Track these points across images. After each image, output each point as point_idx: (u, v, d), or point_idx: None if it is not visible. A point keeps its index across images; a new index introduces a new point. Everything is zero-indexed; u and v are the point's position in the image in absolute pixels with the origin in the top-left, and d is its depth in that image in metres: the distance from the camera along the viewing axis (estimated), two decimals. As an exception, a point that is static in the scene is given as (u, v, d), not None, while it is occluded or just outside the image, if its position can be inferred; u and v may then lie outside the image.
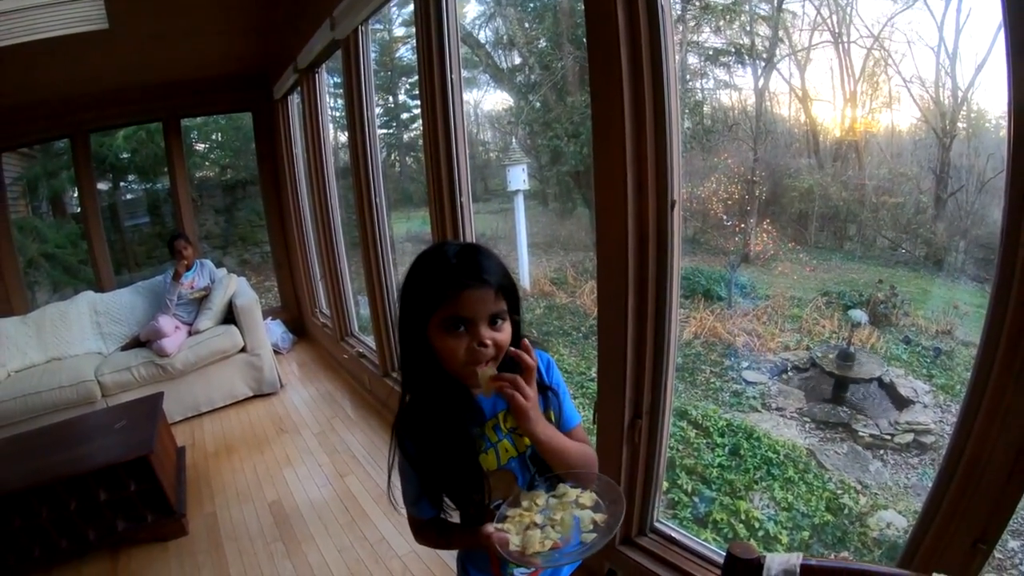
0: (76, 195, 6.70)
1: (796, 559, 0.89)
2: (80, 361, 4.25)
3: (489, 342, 1.01)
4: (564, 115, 7.05)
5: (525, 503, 1.06)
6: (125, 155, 8.27)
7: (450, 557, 2.38)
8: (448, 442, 1.09)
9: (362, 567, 2.58)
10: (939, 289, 4.72)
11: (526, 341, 1.08)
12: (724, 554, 1.83)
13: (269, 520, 3.01)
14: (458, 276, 1.00)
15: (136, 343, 4.38)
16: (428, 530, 1.21)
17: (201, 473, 3.56)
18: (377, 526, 2.84)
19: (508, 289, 1.05)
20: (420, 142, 8.65)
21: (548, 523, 1.01)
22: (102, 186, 7.62)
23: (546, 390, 1.16)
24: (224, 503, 3.22)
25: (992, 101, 4.49)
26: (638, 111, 1.58)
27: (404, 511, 1.21)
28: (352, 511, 3.00)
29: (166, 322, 4.26)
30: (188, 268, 4.57)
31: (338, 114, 5.76)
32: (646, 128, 1.57)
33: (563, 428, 1.18)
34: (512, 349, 1.05)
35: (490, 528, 1.01)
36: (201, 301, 4.56)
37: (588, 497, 1.04)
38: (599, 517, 1.00)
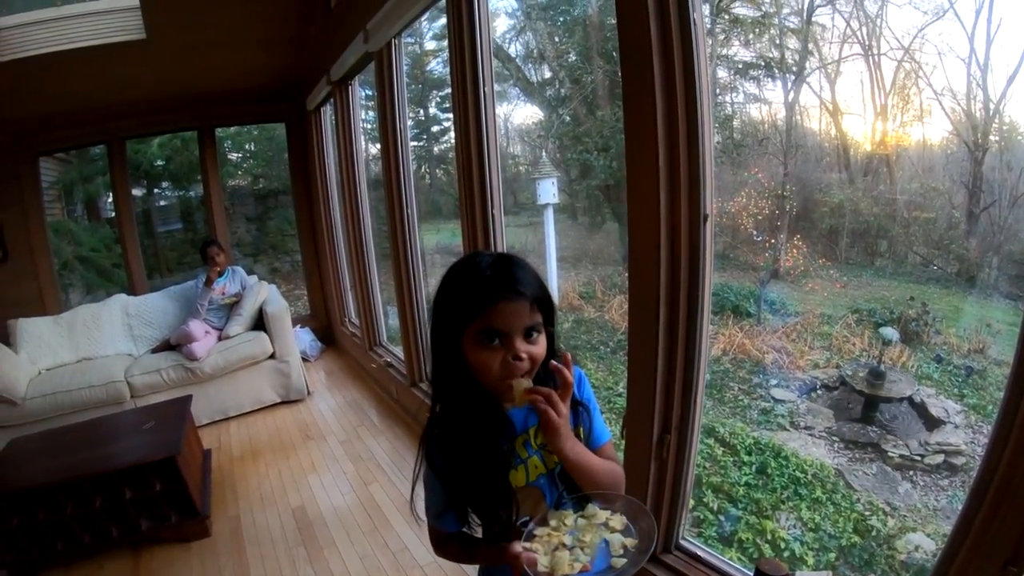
0: (111, 200, 6.86)
1: None
2: (110, 362, 4.34)
3: (524, 355, 0.98)
4: (594, 129, 7.04)
5: (553, 522, 1.03)
6: (159, 162, 8.45)
7: (472, 570, 2.38)
8: (478, 456, 1.06)
9: (383, 575, 2.58)
10: (971, 307, 4.63)
11: (567, 355, 1.05)
12: (748, 574, 1.81)
13: (292, 525, 3.03)
14: (493, 288, 0.97)
15: (166, 346, 4.47)
16: (450, 544, 1.19)
17: (226, 476, 3.60)
18: (400, 535, 2.84)
19: (543, 301, 1.02)
20: (450, 154, 8.74)
21: (577, 544, 0.99)
22: (136, 192, 7.79)
23: (577, 405, 1.12)
24: (248, 507, 3.24)
25: None
26: (671, 123, 1.57)
27: (426, 522, 1.19)
28: (375, 519, 3.01)
29: (196, 327, 4.34)
30: (220, 274, 4.64)
31: (370, 126, 5.84)
32: (679, 140, 1.56)
33: (592, 445, 1.15)
34: (553, 363, 1.02)
35: (518, 547, 0.98)
36: (232, 307, 4.63)
37: (618, 520, 1.02)
38: (629, 542, 0.98)
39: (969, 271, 4.78)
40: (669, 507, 1.97)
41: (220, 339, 4.48)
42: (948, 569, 1.26)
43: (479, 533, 1.17)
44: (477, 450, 1.05)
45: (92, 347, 4.53)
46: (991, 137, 4.63)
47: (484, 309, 0.96)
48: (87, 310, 4.73)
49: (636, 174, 1.69)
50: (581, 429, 1.13)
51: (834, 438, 4.25)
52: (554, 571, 0.94)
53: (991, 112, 4.61)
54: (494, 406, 1.07)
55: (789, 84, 6.15)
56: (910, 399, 4.33)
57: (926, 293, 4.91)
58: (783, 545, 3.42)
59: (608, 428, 1.20)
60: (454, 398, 1.07)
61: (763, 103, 6.32)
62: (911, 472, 3.87)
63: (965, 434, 3.96)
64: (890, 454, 4.00)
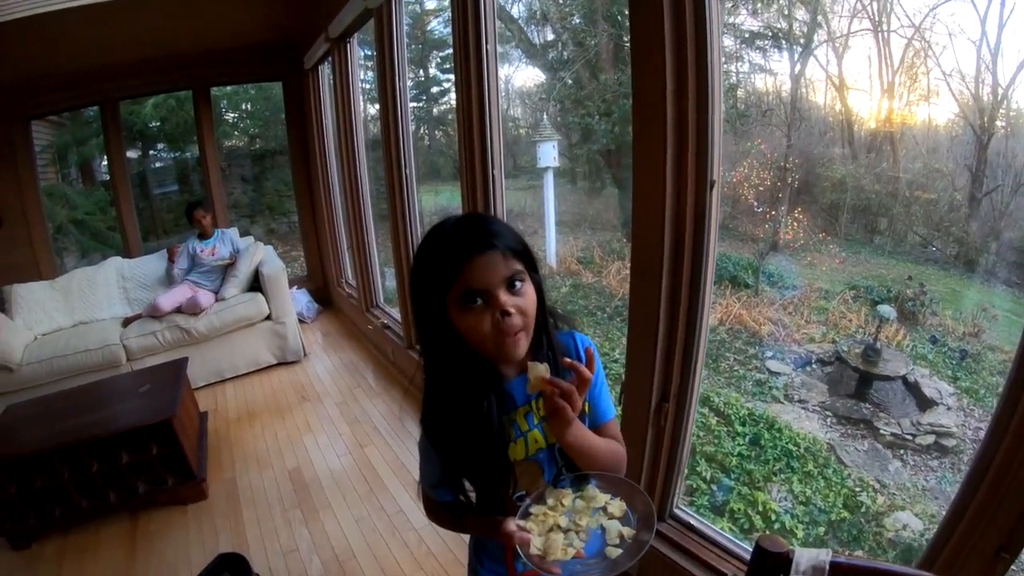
0: (105, 162, 6.77)
1: (826, 555, 0.87)
2: (106, 325, 4.33)
3: (512, 309, 0.93)
4: (596, 93, 6.95)
5: (550, 501, 1.00)
6: (154, 123, 8.33)
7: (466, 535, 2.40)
8: (475, 431, 1.02)
9: (378, 537, 2.61)
10: (969, 290, 4.64)
11: (591, 349, 1.00)
12: (741, 544, 1.82)
13: (288, 487, 3.06)
14: (460, 247, 0.92)
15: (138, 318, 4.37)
16: (444, 512, 1.17)
17: (223, 438, 3.61)
18: (395, 498, 2.87)
19: (519, 249, 0.97)
20: (450, 116, 8.63)
21: (573, 527, 0.96)
22: (131, 154, 7.68)
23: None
24: (244, 469, 3.26)
25: None
26: (680, 84, 1.53)
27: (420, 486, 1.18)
28: (371, 481, 3.03)
29: (165, 301, 4.26)
30: (208, 236, 4.61)
31: (368, 86, 5.74)
32: (688, 103, 1.52)
33: (597, 420, 1.12)
34: (567, 360, 0.96)
35: (512, 525, 0.95)
36: (226, 269, 4.59)
37: (618, 507, 0.98)
38: (627, 531, 0.94)
39: (968, 255, 4.77)
40: (664, 476, 1.98)
41: (216, 300, 4.44)
42: (941, 551, 1.27)
43: (474, 498, 1.15)
44: (474, 424, 1.02)
45: (88, 311, 4.52)
46: (998, 122, 4.58)
47: (458, 270, 0.91)
48: (82, 274, 4.69)
49: (643, 136, 1.65)
50: (586, 405, 1.09)
51: (827, 413, 4.28)
52: (546, 554, 0.91)
53: (999, 97, 4.56)
54: (492, 377, 1.03)
55: (796, 56, 6.06)
56: (904, 378, 4.35)
57: (924, 274, 4.91)
58: (774, 517, 3.46)
59: (614, 406, 1.17)
60: (448, 371, 1.02)
61: (769, 74, 6.24)
62: (902, 451, 3.89)
63: (957, 416, 3.97)
64: (882, 432, 4.02)
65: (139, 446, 2.86)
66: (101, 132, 5.72)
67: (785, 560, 0.90)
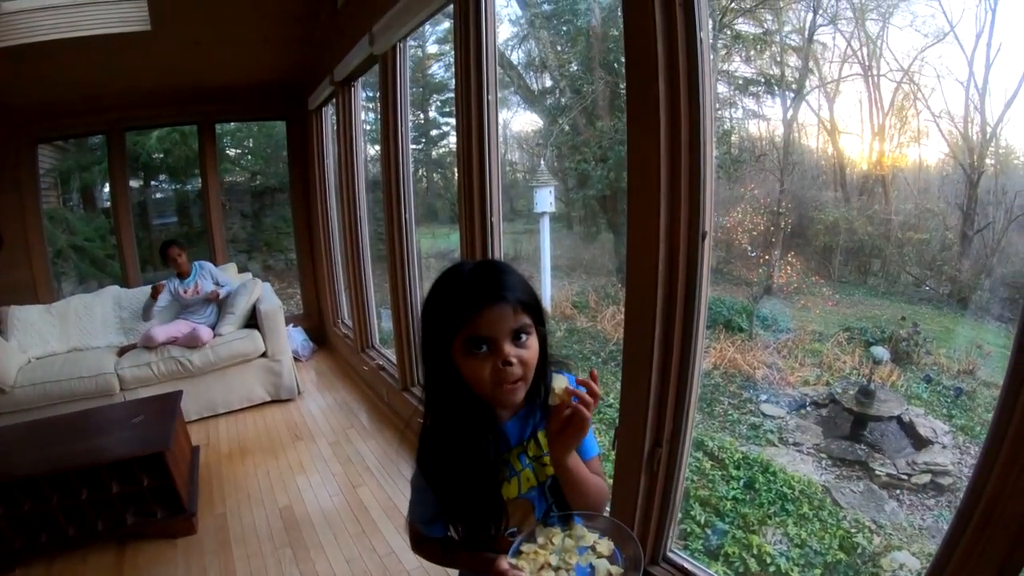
0: (107, 190, 6.83)
1: None
2: (101, 353, 4.31)
3: (514, 360, 0.96)
4: (593, 139, 7.07)
5: (540, 539, 1.03)
6: (157, 155, 8.42)
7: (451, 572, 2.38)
8: (471, 469, 1.05)
9: (369, 579, 2.58)
10: (962, 328, 4.66)
11: (594, 372, 1.04)
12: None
13: (279, 525, 3.02)
14: (474, 296, 0.96)
15: (131, 348, 4.35)
16: (432, 547, 1.19)
17: (214, 473, 3.58)
18: (387, 539, 2.84)
19: (529, 303, 1.00)
20: (448, 159, 8.75)
21: (563, 566, 0.98)
22: (133, 183, 7.74)
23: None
24: (235, 505, 3.23)
25: (1022, 137, 4.46)
26: (673, 139, 1.59)
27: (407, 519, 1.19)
28: (363, 522, 3.00)
29: (160, 332, 4.25)
30: (186, 274, 4.52)
31: (369, 127, 5.84)
32: (681, 156, 1.58)
33: (583, 457, 1.13)
34: (583, 379, 1.01)
35: (505, 564, 0.96)
36: (221, 304, 4.58)
37: (606, 546, 1.01)
38: (615, 570, 0.97)
39: (961, 292, 4.81)
40: (658, 520, 1.98)
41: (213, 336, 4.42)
42: None
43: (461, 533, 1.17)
44: (470, 463, 1.04)
45: (83, 338, 4.51)
46: (987, 160, 4.66)
47: (468, 318, 0.95)
48: (79, 300, 4.70)
49: (637, 188, 1.70)
50: None
51: (822, 455, 4.28)
52: None
53: (988, 136, 4.64)
54: (489, 418, 1.06)
55: (788, 101, 6.20)
56: (899, 418, 4.36)
57: (918, 313, 4.94)
58: (769, 560, 3.43)
59: (597, 444, 1.20)
60: (448, 409, 1.05)
61: (762, 119, 6.38)
62: (898, 491, 3.90)
63: (952, 454, 3.99)
64: (877, 472, 4.03)
65: (130, 477, 2.83)
66: (104, 159, 5.78)
67: None
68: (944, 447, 4.05)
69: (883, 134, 5.47)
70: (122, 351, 4.35)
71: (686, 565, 2.02)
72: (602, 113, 7.01)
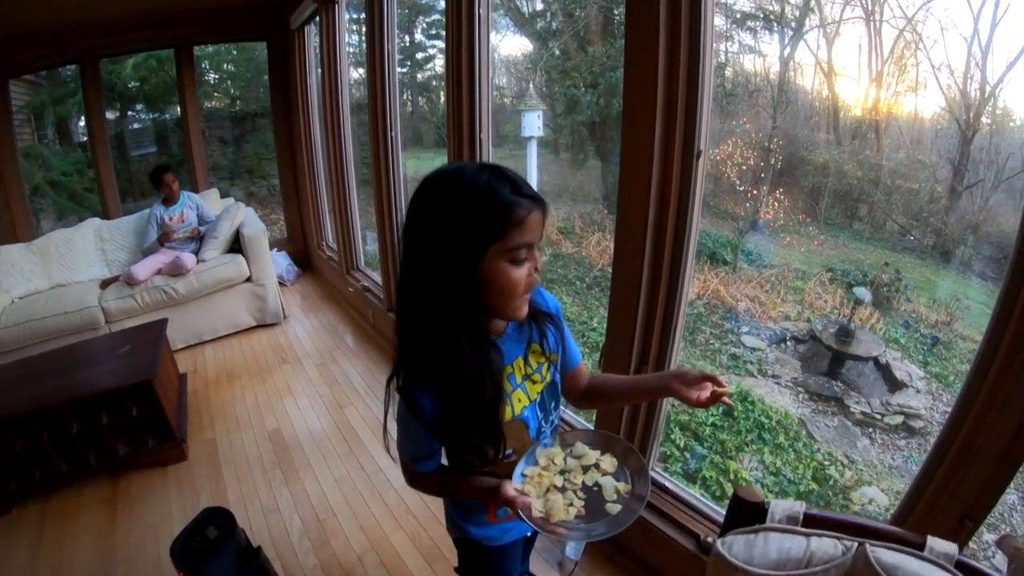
0: (83, 123, 6.60)
1: (799, 507, 0.91)
2: (84, 287, 4.25)
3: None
4: (584, 64, 6.90)
5: (542, 461, 1.00)
6: (133, 84, 8.13)
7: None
8: (470, 394, 0.97)
9: (358, 497, 2.64)
10: (944, 280, 4.70)
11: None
12: (714, 508, 1.88)
13: (268, 448, 3.07)
14: (523, 200, 0.90)
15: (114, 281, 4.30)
16: (429, 480, 1.15)
17: (202, 400, 3.60)
18: (375, 458, 2.90)
19: None
20: (434, 83, 8.52)
21: (569, 486, 0.96)
22: (109, 115, 7.49)
23: (550, 322, 1.12)
24: (224, 430, 3.26)
25: (1020, 101, 4.41)
26: (672, 58, 1.54)
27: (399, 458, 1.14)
28: (351, 442, 3.06)
29: (141, 270, 4.17)
30: (174, 201, 4.48)
31: (352, 50, 5.64)
32: (679, 71, 1.54)
33: (569, 365, 1.18)
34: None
35: (511, 491, 0.94)
36: (192, 238, 4.51)
37: (609, 462, 1.00)
38: (622, 486, 0.96)
39: (945, 246, 4.84)
40: (641, 439, 2.03)
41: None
42: (907, 518, 1.32)
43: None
44: (469, 387, 0.97)
45: (66, 273, 4.43)
46: (983, 119, 4.62)
47: (518, 223, 0.89)
48: (60, 235, 4.58)
49: (633, 105, 1.66)
50: (555, 353, 1.13)
51: (799, 389, 4.37)
52: (549, 516, 0.92)
53: (987, 94, 4.58)
54: (483, 336, 1.00)
55: (786, 39, 6.06)
56: (876, 359, 4.44)
57: (900, 262, 4.97)
58: (745, 486, 3.54)
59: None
60: (443, 330, 0.94)
61: (758, 55, 6.24)
62: (871, 429, 4.01)
63: (925, 399, 4.08)
64: (852, 409, 4.13)
65: (119, 407, 2.84)
66: (78, 92, 5.56)
67: (761, 510, 0.94)
68: (918, 391, 4.14)
69: (880, 81, 5.39)
70: (105, 283, 4.30)
71: (667, 484, 2.09)
72: (594, 38, 6.82)
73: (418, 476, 1.14)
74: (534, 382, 1.10)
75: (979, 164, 4.57)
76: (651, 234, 1.69)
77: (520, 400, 1.08)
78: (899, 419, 3.99)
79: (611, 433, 1.06)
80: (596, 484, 0.97)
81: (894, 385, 4.26)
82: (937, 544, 0.83)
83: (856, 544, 0.86)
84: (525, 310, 0.97)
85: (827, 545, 0.86)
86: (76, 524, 2.63)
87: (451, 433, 1.03)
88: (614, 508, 0.93)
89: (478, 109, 2.52)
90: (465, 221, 0.89)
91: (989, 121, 4.62)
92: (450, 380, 0.97)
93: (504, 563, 1.37)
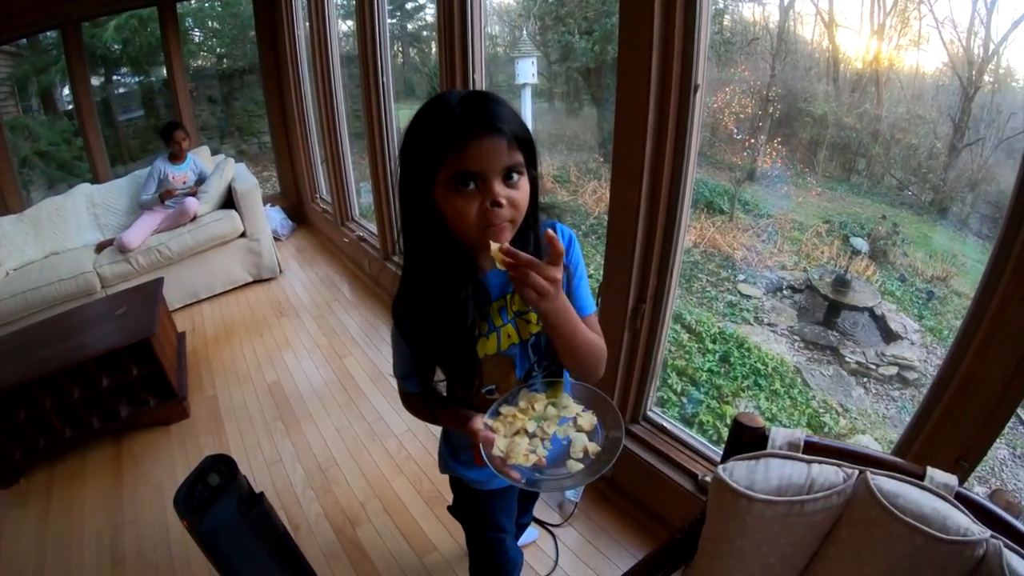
0: (67, 91, 6.48)
1: (800, 434, 0.93)
2: (79, 254, 4.20)
3: (504, 200, 0.86)
4: (578, 10, 6.75)
5: (522, 403, 0.99)
6: (116, 46, 7.94)
7: (438, 430, 2.46)
8: (444, 322, 0.98)
9: (359, 445, 2.68)
10: (940, 237, 4.68)
11: (562, 234, 0.97)
12: (711, 447, 1.91)
13: (269, 401, 3.10)
14: (464, 124, 0.84)
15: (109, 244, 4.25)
16: (416, 402, 1.16)
17: (201, 358, 3.61)
18: (375, 406, 2.93)
19: (523, 139, 0.90)
20: (424, 33, 8.34)
21: (539, 434, 0.94)
22: (93, 81, 7.31)
23: (564, 270, 0.97)
24: (224, 386, 3.29)
25: (1023, 60, 4.34)
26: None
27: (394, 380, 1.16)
28: (350, 391, 3.09)
29: (133, 236, 4.10)
30: (182, 160, 4.42)
31: (340, 1, 5.50)
32: (676, 7, 1.50)
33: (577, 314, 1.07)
34: (548, 232, 0.89)
35: (479, 423, 0.95)
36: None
37: (588, 420, 0.97)
38: (591, 447, 0.92)
39: (943, 202, 4.80)
40: (639, 378, 2.04)
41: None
42: (903, 458, 1.33)
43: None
44: (444, 316, 0.98)
45: (59, 240, 4.36)
46: (985, 77, 4.54)
47: (456, 149, 0.84)
48: (51, 203, 4.50)
49: (630, 37, 1.62)
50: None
51: (795, 337, 4.39)
52: (508, 457, 0.91)
53: (990, 52, 4.49)
54: (469, 268, 0.98)
55: (788, -13, 5.93)
56: (871, 310, 4.44)
57: (898, 216, 4.95)
58: (745, 412, 3.59)
59: (593, 301, 1.13)
60: (424, 255, 0.97)
61: (757, 3, 6.10)
62: (865, 379, 4.02)
63: (920, 352, 4.09)
64: (847, 359, 4.14)
65: (119, 368, 2.84)
66: (60, 59, 5.43)
67: (762, 436, 0.96)
68: (912, 343, 4.14)
69: (882, 33, 5.28)
70: (100, 247, 4.26)
71: (665, 424, 2.12)
72: (588, -19, 6.67)
73: (407, 396, 1.17)
74: (528, 322, 1.06)
75: (980, 122, 4.49)
76: (649, 166, 1.67)
77: (509, 336, 1.06)
78: (894, 370, 4.00)
79: (601, 393, 1.02)
80: (567, 438, 0.95)
81: (889, 336, 4.27)
82: (937, 475, 0.85)
83: (857, 472, 0.87)
84: (495, 246, 0.86)
85: (828, 472, 0.88)
86: (83, 488, 2.66)
87: (426, 355, 1.05)
88: (575, 466, 0.91)
89: (471, 48, 2.47)
90: (415, 148, 0.90)
91: (992, 79, 4.54)
92: (422, 303, 0.99)
93: (493, 509, 1.37)
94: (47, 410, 2.72)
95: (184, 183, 4.41)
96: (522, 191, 0.90)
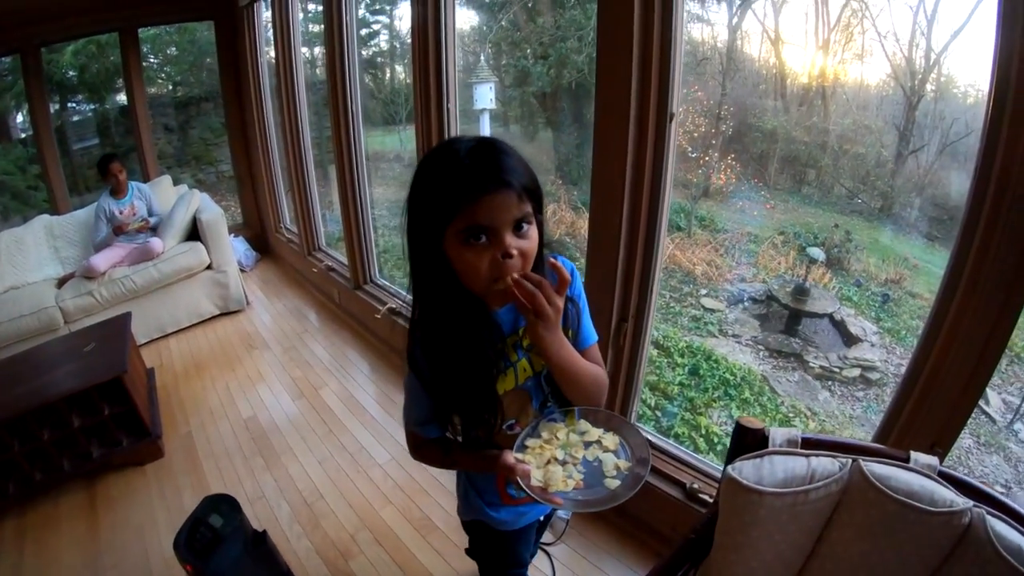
0: (21, 118, 6.28)
1: (796, 432, 1.01)
2: (39, 288, 4.07)
3: (515, 252, 0.87)
4: (533, 36, 6.85)
5: (545, 434, 1.02)
6: (73, 73, 7.73)
7: (444, 474, 2.45)
8: (463, 362, 0.99)
9: (343, 476, 2.65)
10: (891, 241, 4.84)
11: (553, 260, 0.97)
12: (700, 458, 1.98)
13: (246, 436, 3.03)
14: (475, 179, 0.84)
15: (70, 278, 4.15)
16: (432, 450, 1.15)
17: (172, 394, 3.51)
18: (355, 436, 2.91)
19: (532, 188, 0.90)
20: (379, 59, 8.35)
21: (569, 460, 0.98)
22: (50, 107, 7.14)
23: (567, 301, 1.00)
24: (199, 423, 3.20)
25: (963, 69, 4.55)
26: (647, 21, 1.57)
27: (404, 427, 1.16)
28: (329, 423, 3.05)
29: (100, 261, 4.04)
30: (123, 193, 4.29)
31: (304, 28, 5.50)
32: (653, 32, 1.57)
33: (580, 346, 1.09)
34: (552, 260, 0.93)
35: (511, 459, 0.94)
36: (156, 226, 4.35)
37: (612, 440, 1.01)
38: (623, 464, 0.97)
39: (892, 208, 4.97)
40: (623, 395, 2.10)
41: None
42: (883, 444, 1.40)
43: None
44: (463, 356, 0.99)
45: (19, 275, 4.21)
46: (928, 86, 4.73)
47: (466, 204, 0.84)
48: (9, 236, 4.34)
49: (608, 69, 1.69)
50: (570, 331, 1.07)
51: (760, 346, 4.50)
52: (548, 486, 0.93)
53: (931, 62, 4.69)
54: (480, 308, 0.99)
55: (734, 8, 6.13)
56: (831, 316, 4.57)
57: (849, 224, 5.10)
58: (716, 440, 3.68)
59: (595, 331, 1.16)
60: (437, 302, 0.98)
61: (706, 24, 6.30)
62: (830, 382, 4.14)
63: (880, 352, 4.22)
64: (811, 364, 4.25)
65: (90, 408, 2.74)
66: (15, 84, 5.27)
67: (762, 436, 1.03)
68: (872, 345, 4.26)
69: (827, 48, 5.48)
70: (62, 281, 4.13)
71: (649, 437, 2.17)
72: (543, 9, 6.77)
73: (421, 444, 1.15)
74: (538, 353, 1.05)
75: (924, 129, 4.67)
76: (629, 191, 1.75)
77: (524, 370, 1.07)
78: (856, 372, 4.11)
79: (615, 414, 1.08)
80: (597, 459, 0.98)
81: (850, 340, 4.39)
82: (920, 457, 0.94)
83: (850, 460, 0.96)
84: (506, 298, 0.90)
85: (826, 463, 0.96)
86: (58, 534, 2.54)
87: (445, 397, 1.05)
88: (612, 483, 0.94)
89: (445, 78, 2.52)
90: (425, 200, 0.91)
91: (934, 88, 4.72)
92: (438, 345, 1.00)
93: (516, 547, 1.40)
94: (15, 453, 2.59)
95: (134, 214, 4.29)
96: (531, 240, 0.91)
